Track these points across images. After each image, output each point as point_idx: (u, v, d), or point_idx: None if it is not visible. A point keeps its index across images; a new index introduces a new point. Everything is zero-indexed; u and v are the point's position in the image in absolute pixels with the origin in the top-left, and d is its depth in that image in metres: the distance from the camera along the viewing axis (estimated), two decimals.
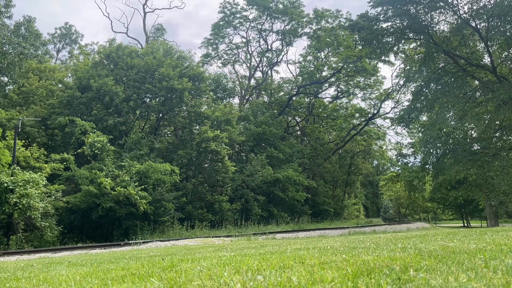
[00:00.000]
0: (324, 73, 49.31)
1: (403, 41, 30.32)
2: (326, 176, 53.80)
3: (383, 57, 37.50)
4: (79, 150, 27.28)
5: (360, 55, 39.92)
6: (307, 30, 47.45)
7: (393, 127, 50.12)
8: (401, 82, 41.22)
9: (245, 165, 37.36)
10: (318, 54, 49.16)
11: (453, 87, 29.32)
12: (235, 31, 49.22)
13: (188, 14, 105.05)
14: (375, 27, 28.05)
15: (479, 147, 29.35)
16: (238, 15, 47.86)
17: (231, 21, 47.97)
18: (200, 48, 67.32)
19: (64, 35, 54.96)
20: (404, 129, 44.78)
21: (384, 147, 62.93)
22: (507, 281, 2.47)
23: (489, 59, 28.45)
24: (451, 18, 28.30)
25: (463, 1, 26.61)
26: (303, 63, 50.96)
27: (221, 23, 48.11)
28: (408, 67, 35.20)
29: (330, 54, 48.76)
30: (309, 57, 50.21)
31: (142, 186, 25.84)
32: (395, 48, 30.20)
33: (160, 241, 20.10)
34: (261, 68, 52.30)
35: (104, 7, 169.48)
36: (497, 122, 28.88)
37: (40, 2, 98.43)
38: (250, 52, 51.47)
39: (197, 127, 35.21)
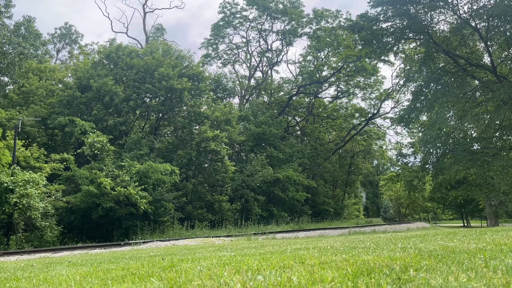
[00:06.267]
0: (324, 73, 49.32)
1: (403, 41, 30.31)
2: (326, 176, 53.81)
3: (383, 57, 37.56)
4: (79, 150, 27.24)
5: (360, 55, 39.93)
6: (307, 30, 47.54)
7: (393, 127, 50.23)
8: (401, 82, 41.22)
9: (245, 165, 37.35)
10: (318, 54, 49.16)
11: (453, 87, 29.31)
12: (235, 31, 49.28)
13: (195, 15, 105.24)
14: (375, 27, 28.05)
15: (479, 147, 29.35)
16: (238, 15, 47.88)
17: (231, 21, 47.97)
18: (200, 49, 67.30)
19: (64, 35, 54.97)
20: (404, 129, 44.82)
21: (384, 147, 62.98)
22: (507, 281, 2.47)
23: (489, 59, 28.44)
24: (451, 18, 28.31)
25: (463, 1, 26.64)
26: (303, 63, 50.99)
27: (221, 23, 48.12)
28: (408, 67, 35.18)
29: (330, 54, 48.76)
30: (309, 57, 50.24)
31: (142, 186, 25.83)
32: (395, 48, 30.18)
33: (160, 241, 20.10)
34: (261, 68, 52.35)
35: (104, 7, 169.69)
36: (497, 122, 28.87)
37: (44, 2, 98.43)
38: (250, 52, 51.54)
39: (197, 127, 35.21)
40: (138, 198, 24.72)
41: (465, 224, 61.22)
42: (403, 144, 53.82)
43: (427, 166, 34.73)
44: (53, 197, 24.36)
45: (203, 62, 46.05)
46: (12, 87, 37.10)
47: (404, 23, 27.45)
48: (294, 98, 49.23)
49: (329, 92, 54.42)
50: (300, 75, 50.25)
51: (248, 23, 48.33)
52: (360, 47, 35.21)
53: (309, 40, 48.34)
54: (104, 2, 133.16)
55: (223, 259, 5.23)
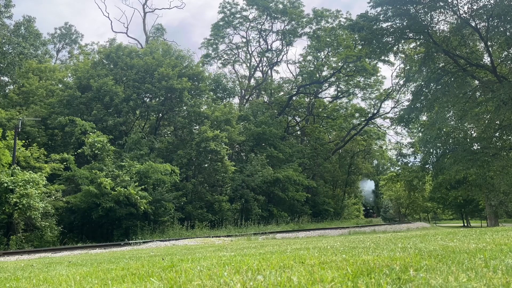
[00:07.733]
0: (324, 73, 49.32)
1: (403, 41, 30.33)
2: (326, 176, 53.77)
3: (383, 57, 37.56)
4: (79, 150, 27.23)
5: (360, 55, 39.93)
6: (307, 30, 47.55)
7: (393, 127, 50.27)
8: (401, 82, 41.29)
9: (245, 165, 37.34)
10: (318, 54, 49.15)
11: (453, 87, 29.32)
12: (235, 31, 49.27)
13: (196, 15, 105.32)
14: (375, 27, 28.05)
15: (479, 147, 29.36)
16: (238, 15, 47.88)
17: (231, 21, 47.97)
18: (200, 49, 67.29)
19: (64, 35, 54.93)
20: (404, 129, 44.83)
21: (384, 147, 63.00)
22: (507, 281, 2.47)
23: (489, 59, 28.45)
24: (451, 18, 28.32)
25: (463, 1, 26.65)
26: (303, 63, 50.98)
27: (221, 23, 48.12)
28: (408, 67, 35.20)
29: (330, 54, 48.76)
30: (309, 57, 50.23)
31: (142, 186, 25.82)
32: (395, 48, 30.20)
33: (160, 241, 20.10)
34: (261, 68, 52.35)
35: (104, 7, 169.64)
36: (497, 122, 28.87)
37: (45, 2, 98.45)
38: (250, 52, 51.53)
39: (197, 127, 35.21)
40: (138, 198, 24.72)
41: (465, 224, 61.22)
42: (403, 144, 54.04)
43: (427, 166, 34.77)
44: (53, 197, 24.34)
45: (203, 62, 45.99)
46: (12, 87, 37.11)
47: (404, 23, 27.46)
48: (294, 98, 49.23)
49: (329, 92, 54.50)
50: (300, 75, 50.25)
51: (248, 23, 48.34)
52: (360, 47, 35.23)
53: (309, 40, 48.36)
54: (104, 2, 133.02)
55: (223, 259, 5.23)
